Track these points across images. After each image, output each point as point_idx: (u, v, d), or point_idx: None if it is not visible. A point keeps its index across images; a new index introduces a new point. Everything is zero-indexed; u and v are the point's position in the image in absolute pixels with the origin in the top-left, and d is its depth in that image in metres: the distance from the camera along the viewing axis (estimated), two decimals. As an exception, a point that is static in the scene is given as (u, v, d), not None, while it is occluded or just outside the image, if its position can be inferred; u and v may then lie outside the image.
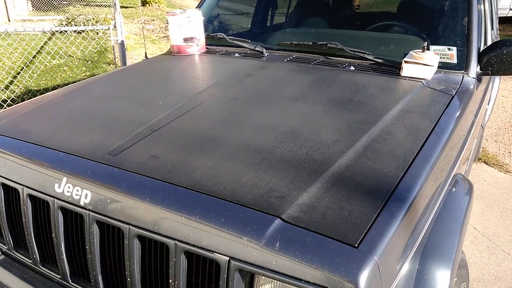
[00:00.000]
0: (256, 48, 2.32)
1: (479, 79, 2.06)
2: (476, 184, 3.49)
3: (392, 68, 2.02)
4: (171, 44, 2.50)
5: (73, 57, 6.66)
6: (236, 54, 2.34)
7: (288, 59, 2.21)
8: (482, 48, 2.17)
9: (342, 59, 2.18)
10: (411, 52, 1.96)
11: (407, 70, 1.92)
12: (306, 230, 1.00)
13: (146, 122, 1.53)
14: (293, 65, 2.12)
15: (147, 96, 1.79)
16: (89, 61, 6.66)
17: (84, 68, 6.41)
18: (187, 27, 2.42)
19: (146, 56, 2.66)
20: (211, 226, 1.05)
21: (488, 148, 4.22)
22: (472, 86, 1.95)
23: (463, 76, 1.98)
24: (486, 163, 3.91)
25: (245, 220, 1.04)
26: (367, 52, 2.10)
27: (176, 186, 1.17)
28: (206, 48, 2.53)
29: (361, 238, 0.98)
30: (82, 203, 1.23)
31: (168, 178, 1.20)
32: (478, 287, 2.34)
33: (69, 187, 1.26)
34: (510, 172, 3.79)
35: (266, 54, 2.29)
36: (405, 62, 1.92)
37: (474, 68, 2.02)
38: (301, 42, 2.28)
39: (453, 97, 1.78)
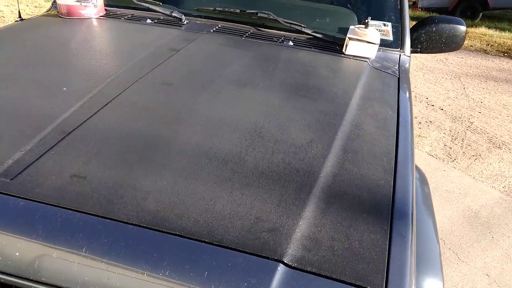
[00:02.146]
0: (173, 14, 1.92)
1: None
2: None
3: (333, 45, 1.84)
4: (57, 3, 1.94)
5: None
6: (148, 20, 1.91)
7: (214, 29, 1.88)
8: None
9: (275, 31, 1.92)
10: (353, 27, 1.80)
11: (351, 47, 1.76)
12: (320, 277, 0.77)
13: (52, 120, 1.10)
14: (223, 38, 1.79)
15: (42, 79, 1.32)
16: None
17: None
18: (80, -19, 1.89)
19: (20, 17, 2.04)
20: (189, 285, 0.75)
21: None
22: (407, 65, 1.89)
23: (400, 55, 1.90)
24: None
25: (237, 271, 0.76)
26: (303, 25, 1.88)
27: (125, 224, 0.82)
28: (105, 9, 2.03)
29: (385, 279, 0.79)
30: (-32, 260, 0.80)
31: (109, 211, 0.84)
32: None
33: None
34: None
35: (185, 22, 1.91)
36: (350, 39, 1.75)
37: (409, 46, 1.95)
38: (227, 9, 1.95)
39: (399, 78, 1.69)
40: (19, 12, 2.10)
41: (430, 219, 1.26)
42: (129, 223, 0.82)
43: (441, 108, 4.75)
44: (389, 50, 1.90)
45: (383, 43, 1.91)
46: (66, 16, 1.93)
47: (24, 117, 1.11)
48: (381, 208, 0.96)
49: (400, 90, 1.58)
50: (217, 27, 1.90)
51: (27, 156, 0.97)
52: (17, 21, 2.01)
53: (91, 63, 1.45)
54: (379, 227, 0.90)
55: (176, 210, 0.86)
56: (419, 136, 4.03)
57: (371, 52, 1.76)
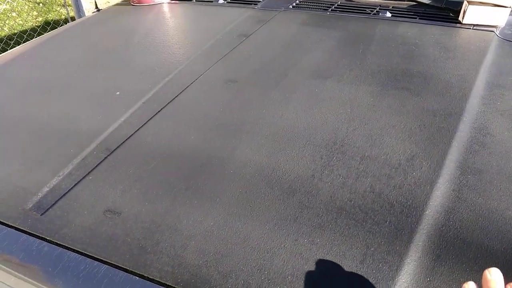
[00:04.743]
0: (248, -9, 1.68)
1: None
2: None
3: (445, 12, 1.44)
4: (128, -10, 1.83)
5: (18, -1, 5.66)
6: (220, 1, 1.70)
7: (294, 4, 1.60)
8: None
9: (368, 0, 1.58)
10: (473, -14, 1.38)
11: (471, 15, 1.34)
12: None
13: (97, 134, 0.96)
14: (303, 15, 1.51)
15: (98, 81, 1.20)
16: (40, 4, 5.71)
17: (35, 13, 5.50)
18: (148, -36, 1.74)
19: (96, 7, 1.99)
20: None
21: None
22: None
23: (542, 18, 1.42)
24: None
25: None
26: (405, -11, 1.51)
27: (157, 286, 0.64)
28: (178, -8, 1.86)
29: None
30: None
31: (140, 264, 0.67)
32: None
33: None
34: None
35: (261, -1, 1.66)
36: (469, 2, 1.34)
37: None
38: (310, -22, 1.65)
39: (541, 52, 1.24)
40: (95, 2, 2.04)
41: None
42: (161, 284, 0.64)
43: None
44: (526, 12, 1.43)
45: (517, 4, 1.44)
46: (137, 3, 1.81)
47: (71, 131, 0.99)
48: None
49: (545, 70, 1.15)
50: (297, 1, 1.62)
51: (64, 183, 0.84)
52: (94, 12, 1.95)
53: (152, 59, 1.30)
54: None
55: (222, 267, 0.65)
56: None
57: (500, 18, 1.33)
